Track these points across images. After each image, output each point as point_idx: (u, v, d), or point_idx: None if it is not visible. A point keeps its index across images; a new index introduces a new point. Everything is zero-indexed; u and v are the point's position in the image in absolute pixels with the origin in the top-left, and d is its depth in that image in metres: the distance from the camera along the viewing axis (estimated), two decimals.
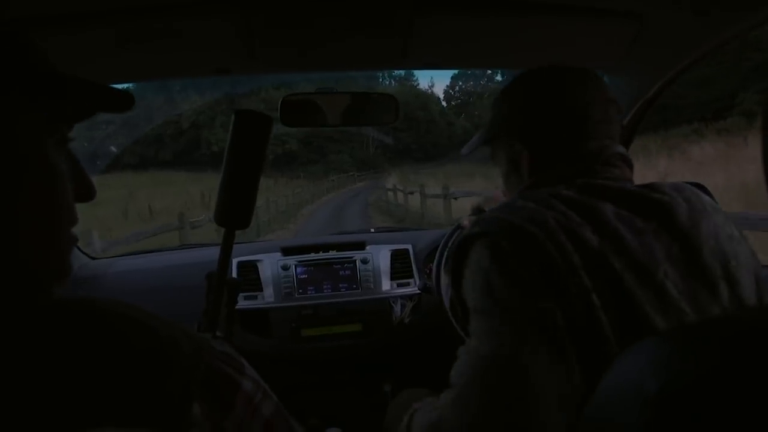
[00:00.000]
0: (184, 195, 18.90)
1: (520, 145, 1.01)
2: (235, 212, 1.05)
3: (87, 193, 0.59)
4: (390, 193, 20.64)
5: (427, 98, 65.23)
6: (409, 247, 2.01)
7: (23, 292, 0.47)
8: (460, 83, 74.13)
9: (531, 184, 0.99)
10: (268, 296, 1.85)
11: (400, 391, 1.97)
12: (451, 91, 74.13)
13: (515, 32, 1.24)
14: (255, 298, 1.85)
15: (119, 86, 0.64)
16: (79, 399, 0.41)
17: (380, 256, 1.96)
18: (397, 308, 1.90)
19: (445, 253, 1.62)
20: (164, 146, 46.36)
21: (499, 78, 62.59)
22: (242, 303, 1.82)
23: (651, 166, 11.96)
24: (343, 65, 1.35)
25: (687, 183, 1.00)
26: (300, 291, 1.87)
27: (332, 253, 1.97)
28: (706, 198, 0.95)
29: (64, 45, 1.06)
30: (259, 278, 1.88)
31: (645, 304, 0.78)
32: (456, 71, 68.30)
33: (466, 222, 1.56)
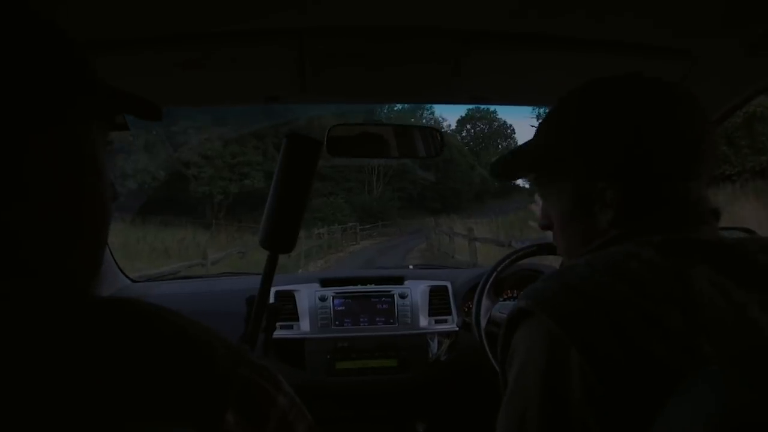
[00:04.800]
0: None
1: (604, 183, 0.74)
2: (280, 236, 1.07)
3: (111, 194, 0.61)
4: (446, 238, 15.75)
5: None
6: (448, 284, 1.99)
7: (65, 290, 0.48)
8: (468, 127, 60.07)
9: (612, 239, 0.75)
10: (304, 327, 1.85)
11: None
12: (457, 135, 58.63)
13: (564, 68, 1.25)
14: (291, 327, 1.85)
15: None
16: (114, 394, 0.41)
17: (418, 292, 1.94)
18: (434, 345, 1.87)
19: (491, 279, 1.59)
20: None
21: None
22: (278, 332, 1.81)
23: None
24: (391, 97, 1.37)
25: (734, 228, 0.89)
26: (336, 323, 1.86)
27: (370, 287, 1.96)
28: None
29: (120, 67, 1.10)
30: (295, 308, 1.88)
31: None
32: (463, 114, 59.88)
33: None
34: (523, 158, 0.89)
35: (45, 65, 0.49)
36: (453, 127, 59.82)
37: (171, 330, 0.47)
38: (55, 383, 0.40)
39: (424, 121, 50.28)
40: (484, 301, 1.60)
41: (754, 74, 1.23)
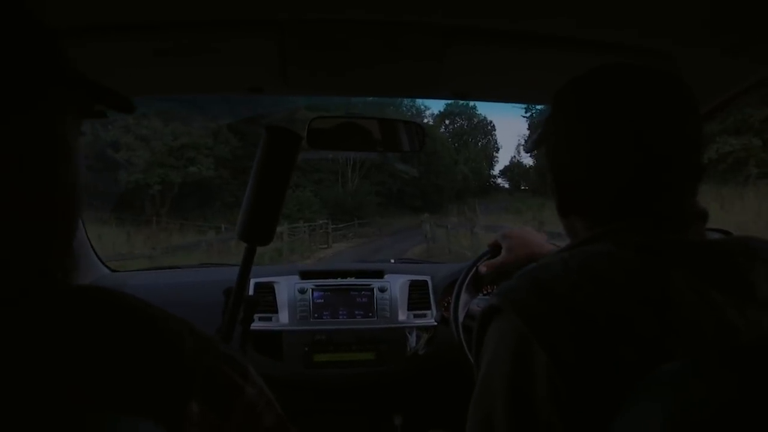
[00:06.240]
0: None
1: (551, 175, 0.79)
2: (258, 228, 1.07)
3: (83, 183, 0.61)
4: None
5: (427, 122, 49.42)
6: (428, 278, 1.99)
7: (36, 278, 0.48)
8: (447, 122, 57.05)
9: (592, 237, 0.74)
10: (282, 319, 1.85)
11: (410, 425, 1.93)
12: (437, 130, 53.49)
13: (545, 66, 1.25)
14: (269, 319, 1.84)
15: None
16: (81, 383, 0.41)
17: (398, 286, 1.95)
18: (412, 339, 1.87)
19: (469, 276, 1.59)
20: None
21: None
22: (256, 324, 1.81)
23: None
24: (373, 91, 1.37)
25: (711, 229, 0.89)
26: (315, 315, 1.86)
27: (350, 280, 1.96)
28: None
29: (100, 54, 1.09)
30: (275, 300, 1.88)
31: None
32: (442, 108, 56.89)
33: (483, 268, 1.52)
34: (535, 136, 0.95)
35: (16, 52, 0.48)
36: (432, 122, 56.12)
37: (139, 319, 0.47)
38: (18, 370, 0.40)
39: (404, 109, 47.63)
40: (463, 296, 1.61)
41: (733, 77, 1.25)
